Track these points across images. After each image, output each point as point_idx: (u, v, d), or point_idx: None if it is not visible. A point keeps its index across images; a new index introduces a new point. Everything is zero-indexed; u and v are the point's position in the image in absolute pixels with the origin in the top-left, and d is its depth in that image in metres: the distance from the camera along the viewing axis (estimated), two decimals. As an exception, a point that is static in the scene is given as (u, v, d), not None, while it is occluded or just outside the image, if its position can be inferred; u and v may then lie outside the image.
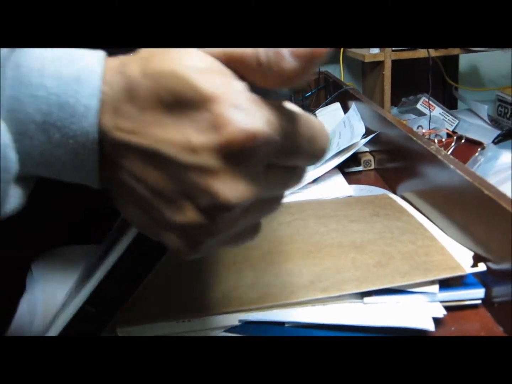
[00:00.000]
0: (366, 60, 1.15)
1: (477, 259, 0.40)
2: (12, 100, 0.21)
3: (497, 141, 0.81)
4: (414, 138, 0.53)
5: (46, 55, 0.22)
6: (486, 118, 0.93)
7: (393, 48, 1.09)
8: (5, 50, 0.21)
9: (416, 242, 0.42)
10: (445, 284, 0.38)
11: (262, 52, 0.22)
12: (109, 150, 0.22)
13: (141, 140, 0.21)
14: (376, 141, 0.67)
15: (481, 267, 0.38)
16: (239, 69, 0.22)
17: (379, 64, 1.14)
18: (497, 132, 0.86)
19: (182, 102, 0.20)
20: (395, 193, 0.58)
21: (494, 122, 0.94)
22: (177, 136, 0.20)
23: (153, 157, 0.21)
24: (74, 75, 0.22)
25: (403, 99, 1.19)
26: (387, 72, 1.11)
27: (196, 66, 0.21)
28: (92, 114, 0.21)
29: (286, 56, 0.21)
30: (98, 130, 0.21)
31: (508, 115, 0.94)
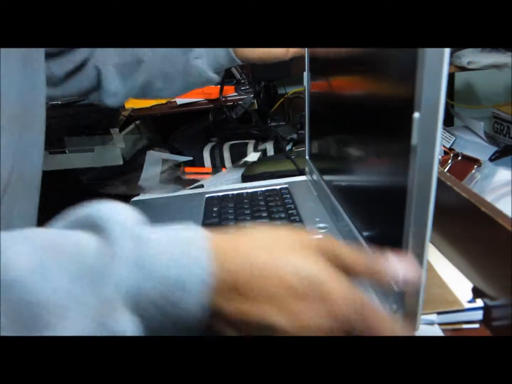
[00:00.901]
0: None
1: (476, 278, 0.39)
2: (134, 288, 0.25)
3: (493, 158, 0.81)
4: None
5: (162, 241, 0.27)
6: (482, 135, 0.94)
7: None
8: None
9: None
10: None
11: (372, 269, 0.29)
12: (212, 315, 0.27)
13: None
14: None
15: (479, 303, 0.38)
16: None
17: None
18: (493, 149, 0.86)
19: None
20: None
21: (490, 139, 0.94)
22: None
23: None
24: (194, 257, 0.26)
25: (400, 117, 1.20)
26: (384, 90, 1.12)
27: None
28: (204, 289, 0.26)
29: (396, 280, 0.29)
30: (207, 302, 0.26)
31: (504, 132, 0.94)
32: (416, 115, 0.28)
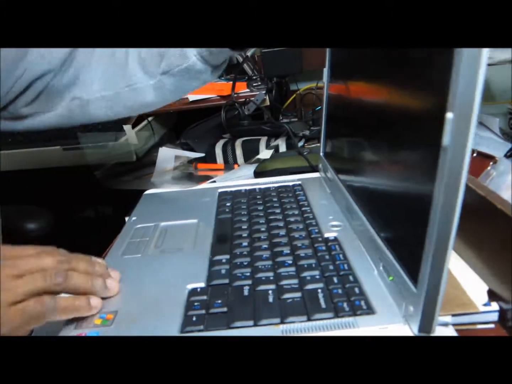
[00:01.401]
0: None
1: (492, 280, 0.39)
2: None
3: (509, 154, 0.80)
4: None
5: None
6: (497, 132, 0.93)
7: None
8: None
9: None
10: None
11: None
12: None
13: None
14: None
15: (494, 306, 0.37)
16: None
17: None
18: (509, 145, 0.85)
19: None
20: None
21: (506, 135, 0.93)
22: None
23: None
24: None
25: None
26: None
27: None
28: None
29: None
30: None
31: (520, 129, 0.93)
32: (450, 115, 0.28)
